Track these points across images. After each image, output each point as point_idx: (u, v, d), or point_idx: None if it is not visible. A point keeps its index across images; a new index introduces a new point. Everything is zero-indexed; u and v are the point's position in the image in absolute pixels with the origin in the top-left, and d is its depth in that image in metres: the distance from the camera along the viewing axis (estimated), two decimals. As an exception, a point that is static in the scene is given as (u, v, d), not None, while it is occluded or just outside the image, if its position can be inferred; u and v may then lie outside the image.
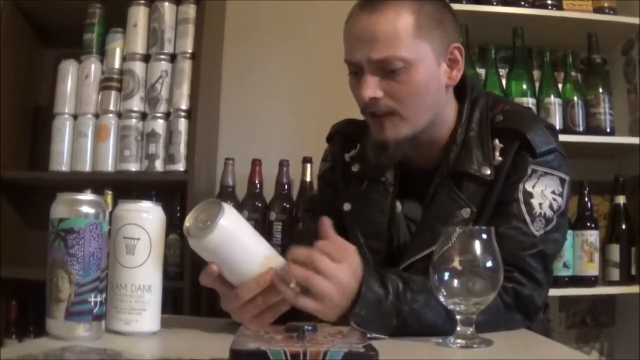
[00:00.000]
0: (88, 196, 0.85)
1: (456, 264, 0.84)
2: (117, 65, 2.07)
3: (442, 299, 0.86)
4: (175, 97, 2.00)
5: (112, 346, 0.77)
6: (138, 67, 2.04)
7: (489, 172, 1.10)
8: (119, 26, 2.08)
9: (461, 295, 0.84)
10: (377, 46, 1.05)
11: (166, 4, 2.05)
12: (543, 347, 0.93)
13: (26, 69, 2.22)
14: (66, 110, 2.08)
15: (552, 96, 2.02)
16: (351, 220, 1.21)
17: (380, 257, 1.16)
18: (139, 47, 2.05)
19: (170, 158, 1.98)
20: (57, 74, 2.11)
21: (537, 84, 2.07)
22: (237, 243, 0.86)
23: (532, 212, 1.06)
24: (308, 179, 1.98)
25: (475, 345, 0.84)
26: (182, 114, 1.99)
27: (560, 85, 2.07)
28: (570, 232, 1.93)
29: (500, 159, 1.10)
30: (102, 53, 2.10)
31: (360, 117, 1.25)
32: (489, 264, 0.85)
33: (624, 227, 2.02)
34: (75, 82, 2.09)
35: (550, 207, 1.07)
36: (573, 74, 2.09)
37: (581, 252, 1.95)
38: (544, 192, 1.08)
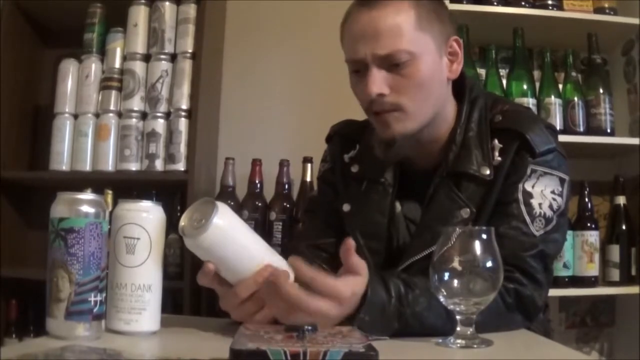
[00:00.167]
0: (88, 196, 0.85)
1: (456, 264, 0.84)
2: (117, 64, 2.07)
3: (442, 299, 0.86)
4: (175, 96, 2.00)
5: (112, 346, 0.77)
6: (138, 66, 2.04)
7: (488, 172, 1.10)
8: (119, 26, 2.08)
9: (461, 295, 0.84)
10: (381, 41, 1.05)
11: (167, 3, 2.05)
12: (543, 348, 0.93)
13: (26, 69, 2.22)
14: (66, 110, 2.08)
15: (552, 96, 2.02)
16: (351, 221, 1.21)
17: (380, 257, 1.16)
18: (140, 46, 2.05)
19: (170, 158, 1.98)
20: (58, 74, 2.11)
21: (537, 84, 2.07)
22: (233, 241, 0.86)
23: (532, 212, 1.06)
24: (308, 179, 1.98)
25: (475, 346, 0.84)
26: (183, 113, 1.99)
27: (560, 86, 2.07)
28: (570, 232, 1.93)
29: (499, 159, 1.10)
30: (103, 53, 2.10)
31: (360, 118, 1.26)
32: (489, 264, 0.85)
33: (624, 227, 2.02)
34: (75, 81, 2.10)
35: (550, 207, 1.07)
36: (573, 74, 2.09)
37: (581, 253, 1.95)
38: (543, 192, 1.08)
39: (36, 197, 2.16)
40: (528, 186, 1.07)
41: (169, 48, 2.04)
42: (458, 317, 0.85)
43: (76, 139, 2.06)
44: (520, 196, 1.07)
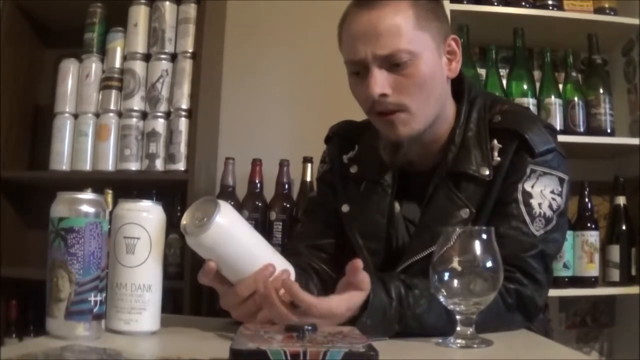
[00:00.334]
0: (88, 195, 0.85)
1: (456, 264, 0.84)
2: (117, 64, 2.07)
3: (442, 299, 0.86)
4: (175, 96, 2.00)
5: (112, 346, 0.77)
6: (139, 66, 2.04)
7: (487, 172, 1.10)
8: (119, 26, 2.08)
9: (461, 295, 0.84)
10: (381, 41, 1.05)
11: (167, 3, 2.05)
12: (543, 348, 0.93)
13: (26, 69, 2.22)
14: (67, 110, 2.08)
15: (552, 97, 2.02)
16: (350, 221, 1.21)
17: (379, 258, 1.16)
18: (140, 46, 2.05)
19: (170, 157, 1.98)
20: (58, 73, 2.11)
21: (537, 85, 2.07)
22: (234, 240, 0.86)
23: (532, 212, 1.06)
24: (308, 178, 1.98)
25: (475, 346, 0.84)
26: (183, 113, 1.99)
27: (560, 86, 2.07)
28: (570, 232, 1.93)
29: (498, 159, 1.10)
30: (103, 52, 2.10)
31: (359, 118, 1.26)
32: (489, 264, 0.85)
33: (624, 227, 2.02)
34: (75, 81, 2.10)
35: (550, 207, 1.07)
36: (574, 74, 2.09)
37: (581, 253, 1.95)
38: (543, 192, 1.08)
39: (36, 197, 2.16)
40: (527, 186, 1.07)
41: (169, 48, 2.04)
42: (458, 317, 0.85)
43: (76, 139, 2.06)
44: (519, 196, 1.07)
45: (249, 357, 0.65)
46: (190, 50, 2.02)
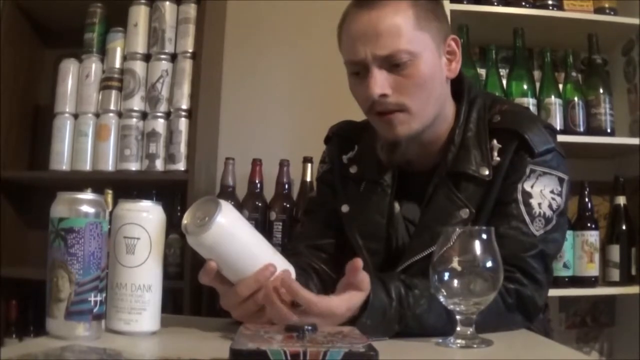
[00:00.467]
0: (88, 195, 0.85)
1: (456, 264, 0.84)
2: (117, 64, 2.07)
3: (442, 299, 0.86)
4: (175, 96, 2.00)
5: (112, 346, 0.77)
6: (139, 66, 2.04)
7: (487, 172, 1.10)
8: (119, 26, 2.08)
9: (461, 295, 0.84)
10: (381, 42, 1.05)
11: (167, 3, 2.05)
12: (543, 348, 0.93)
13: (26, 69, 2.22)
14: (67, 110, 2.08)
15: (552, 96, 2.02)
16: (349, 221, 1.21)
17: (379, 258, 1.16)
18: (140, 46, 2.05)
19: (170, 158, 1.98)
20: (58, 73, 2.11)
21: (537, 85, 2.07)
22: (235, 240, 0.86)
23: (532, 212, 1.06)
24: (308, 179, 1.98)
25: (475, 346, 0.84)
26: (183, 113, 1.99)
27: (560, 86, 2.07)
28: (570, 232, 1.93)
29: (498, 159, 1.10)
30: (103, 52, 2.10)
31: (359, 119, 1.26)
32: (489, 264, 0.85)
33: (624, 227, 2.02)
34: (75, 81, 2.09)
35: (550, 206, 1.07)
36: (574, 74, 2.09)
37: (581, 253, 1.95)
38: (543, 192, 1.08)
39: (36, 197, 2.16)
40: (527, 186, 1.07)
41: (169, 48, 2.04)
42: (458, 317, 0.85)
43: (76, 139, 2.06)
44: (519, 196, 1.07)
45: (249, 357, 0.65)
46: (190, 50, 2.02)
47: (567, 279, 1.94)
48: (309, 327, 0.74)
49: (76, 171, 2.04)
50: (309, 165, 1.98)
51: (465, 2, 1.97)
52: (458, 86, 1.18)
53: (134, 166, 2.00)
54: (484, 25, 2.02)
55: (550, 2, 2.02)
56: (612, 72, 2.20)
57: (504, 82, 2.07)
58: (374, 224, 1.17)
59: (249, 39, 2.28)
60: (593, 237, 1.96)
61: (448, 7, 1.82)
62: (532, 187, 1.07)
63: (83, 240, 0.81)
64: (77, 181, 2.01)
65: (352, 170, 1.24)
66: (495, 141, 1.11)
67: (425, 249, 1.04)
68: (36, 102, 2.28)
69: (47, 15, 2.21)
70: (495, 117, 1.14)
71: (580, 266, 1.95)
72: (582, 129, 2.00)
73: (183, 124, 1.98)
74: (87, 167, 2.04)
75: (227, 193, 1.97)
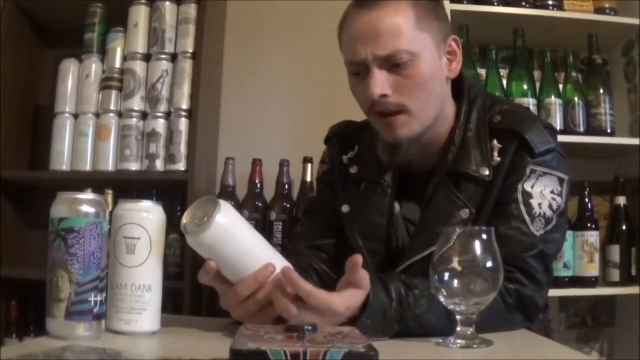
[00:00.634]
0: (88, 195, 0.85)
1: (456, 264, 0.84)
2: (117, 64, 2.07)
3: (442, 299, 0.86)
4: (175, 96, 2.00)
5: (112, 346, 0.77)
6: (139, 66, 2.04)
7: (487, 172, 1.10)
8: (119, 26, 2.08)
9: (461, 295, 0.84)
10: (381, 42, 1.05)
11: (167, 3, 2.05)
12: (543, 348, 0.93)
13: (26, 69, 2.22)
14: (67, 110, 2.08)
15: (552, 97, 2.02)
16: (349, 221, 1.20)
17: (379, 258, 1.16)
18: (140, 46, 2.05)
19: (170, 157, 1.98)
20: (58, 74, 2.11)
21: (537, 85, 2.07)
22: (234, 239, 0.86)
23: (532, 213, 1.06)
24: (308, 178, 1.98)
25: (475, 346, 0.84)
26: (183, 113, 1.99)
27: (560, 86, 2.07)
28: (570, 232, 1.93)
29: (498, 159, 1.10)
30: (103, 52, 2.10)
31: (359, 119, 1.26)
32: (489, 264, 0.85)
33: (624, 227, 2.02)
34: (75, 81, 2.10)
35: (550, 206, 1.07)
36: (574, 74, 2.09)
37: (581, 253, 1.95)
38: (543, 192, 1.08)
39: (36, 197, 2.16)
40: (527, 186, 1.07)
41: (169, 48, 2.04)
42: (458, 317, 0.85)
43: (76, 139, 2.06)
44: (519, 196, 1.07)
45: (249, 357, 0.65)
46: (190, 50, 2.02)
47: (567, 279, 1.94)
48: (309, 327, 0.74)
49: (76, 171, 2.04)
50: (309, 165, 1.98)
51: (465, 2, 1.97)
52: (458, 86, 1.18)
53: (134, 166, 2.00)
54: (484, 25, 2.02)
55: (550, 2, 2.02)
56: (612, 72, 2.20)
57: (504, 82, 2.07)
58: (374, 224, 1.17)
59: (249, 39, 2.28)
60: (593, 237, 1.96)
61: (448, 7, 1.82)
62: (532, 187, 1.07)
63: (83, 240, 0.81)
64: (77, 181, 2.01)
65: (352, 170, 1.24)
66: (495, 141, 1.11)
67: (425, 249, 1.04)
68: (36, 102, 2.28)
69: (47, 15, 2.21)
70: (496, 117, 1.14)
71: (580, 266, 1.95)
72: (582, 129, 2.00)
73: (183, 124, 1.98)
74: (87, 167, 2.04)
75: (227, 193, 1.97)
